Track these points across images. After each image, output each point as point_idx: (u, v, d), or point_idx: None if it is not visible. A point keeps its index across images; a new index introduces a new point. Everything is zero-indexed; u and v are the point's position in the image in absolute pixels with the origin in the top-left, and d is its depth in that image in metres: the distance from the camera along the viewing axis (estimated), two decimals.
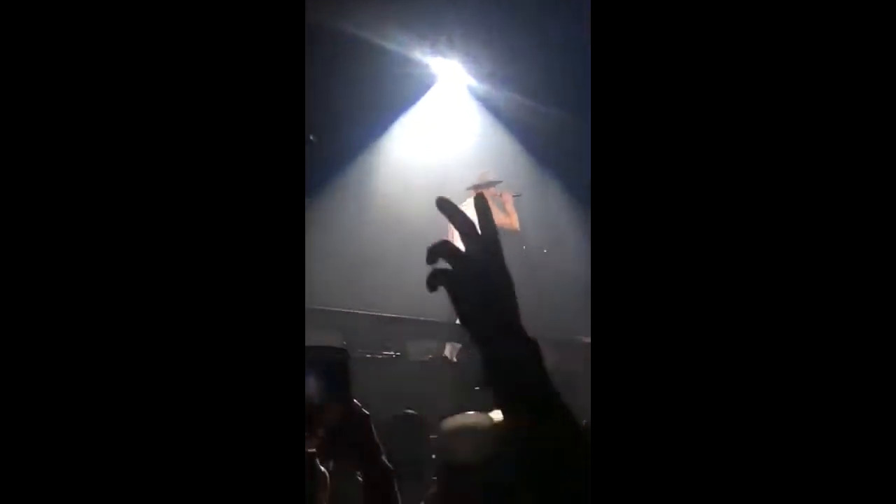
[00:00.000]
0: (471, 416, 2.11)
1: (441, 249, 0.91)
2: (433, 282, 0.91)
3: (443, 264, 0.92)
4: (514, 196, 5.79)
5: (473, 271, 0.91)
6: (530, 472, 0.90)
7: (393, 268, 5.76)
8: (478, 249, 0.93)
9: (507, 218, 5.70)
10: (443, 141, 6.86)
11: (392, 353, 5.41)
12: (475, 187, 5.76)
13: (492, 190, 5.79)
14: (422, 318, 5.25)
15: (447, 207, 0.94)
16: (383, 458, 1.28)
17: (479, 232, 0.93)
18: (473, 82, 6.83)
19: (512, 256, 0.93)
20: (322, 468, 1.26)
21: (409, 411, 2.77)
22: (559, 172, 6.46)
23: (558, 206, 6.20)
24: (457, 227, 0.93)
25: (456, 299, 0.91)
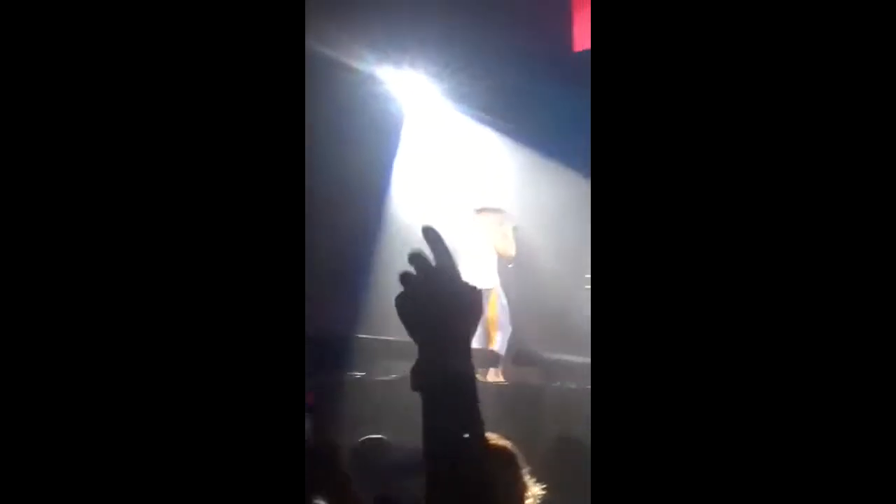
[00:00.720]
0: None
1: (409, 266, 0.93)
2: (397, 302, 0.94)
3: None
4: (513, 227, 6.12)
5: (424, 297, 0.92)
6: None
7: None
8: (429, 276, 0.93)
9: (505, 245, 6.01)
10: (413, 159, 6.96)
11: (356, 373, 5.37)
12: (479, 210, 6.05)
13: (494, 216, 6.07)
14: (383, 337, 5.25)
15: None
16: (353, 489, 1.25)
17: (433, 263, 0.93)
18: (437, 100, 6.94)
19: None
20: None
21: (375, 436, 2.72)
22: (525, 186, 6.56)
23: (526, 220, 6.31)
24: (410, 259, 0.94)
25: (403, 321, 0.93)
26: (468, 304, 0.93)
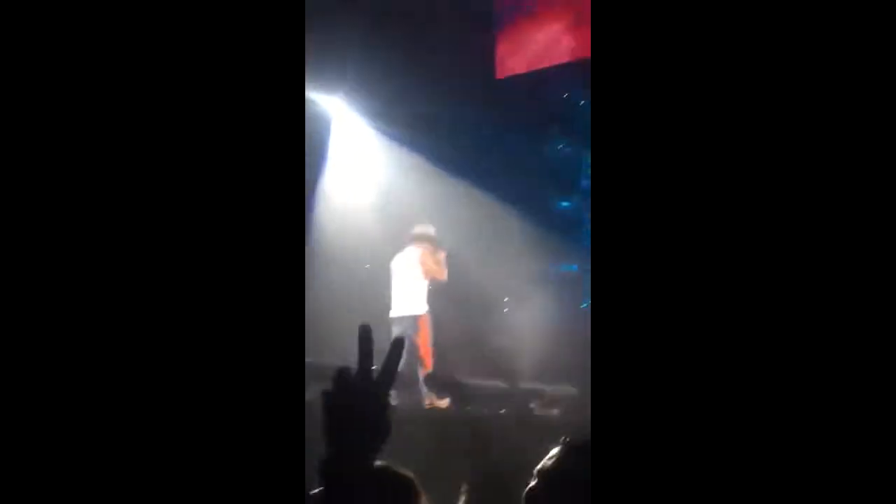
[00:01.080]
0: None
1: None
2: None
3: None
4: (445, 254, 6.19)
5: (341, 406, 0.96)
6: None
7: None
8: (354, 386, 0.96)
9: (437, 270, 6.08)
10: (338, 184, 6.97)
11: None
12: (413, 237, 6.07)
13: (427, 243, 6.08)
14: (309, 360, 5.14)
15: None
16: None
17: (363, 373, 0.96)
18: (362, 125, 7.04)
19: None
20: None
21: None
22: (447, 211, 6.60)
23: (448, 245, 6.34)
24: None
25: (323, 419, 0.96)
26: (382, 421, 0.98)
